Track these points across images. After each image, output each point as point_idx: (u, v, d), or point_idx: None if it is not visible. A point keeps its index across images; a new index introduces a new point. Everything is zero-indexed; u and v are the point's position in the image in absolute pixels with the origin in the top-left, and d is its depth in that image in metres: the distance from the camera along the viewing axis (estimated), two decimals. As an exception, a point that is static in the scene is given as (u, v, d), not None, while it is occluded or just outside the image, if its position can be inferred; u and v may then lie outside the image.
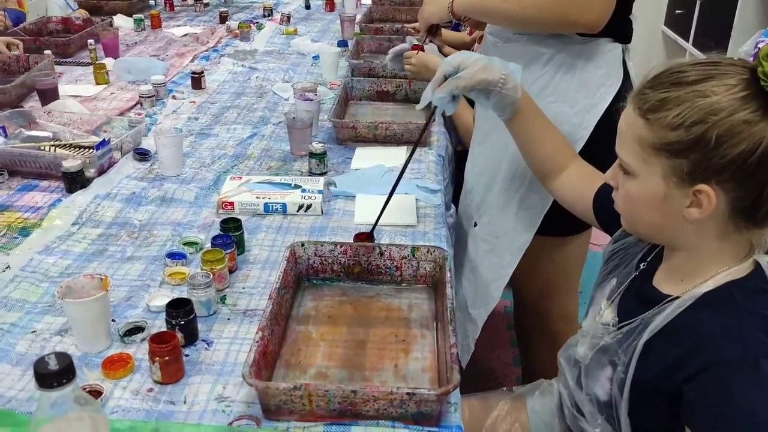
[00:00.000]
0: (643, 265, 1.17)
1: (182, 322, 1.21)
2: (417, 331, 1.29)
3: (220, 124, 2.29)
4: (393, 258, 1.41)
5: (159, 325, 1.27)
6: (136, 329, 1.26)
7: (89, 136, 2.05)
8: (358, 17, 3.51)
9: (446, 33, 3.09)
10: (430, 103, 1.39)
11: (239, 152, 2.06)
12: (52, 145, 1.98)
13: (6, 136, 2.01)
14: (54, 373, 0.77)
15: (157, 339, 1.14)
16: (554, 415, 1.42)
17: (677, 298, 1.04)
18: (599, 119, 1.58)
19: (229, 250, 1.41)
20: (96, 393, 1.10)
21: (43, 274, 1.44)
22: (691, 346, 0.99)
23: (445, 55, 3.08)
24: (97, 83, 2.62)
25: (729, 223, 1.00)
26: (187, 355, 1.20)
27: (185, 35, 3.43)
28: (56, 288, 1.22)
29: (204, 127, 2.25)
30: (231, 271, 1.44)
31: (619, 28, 1.56)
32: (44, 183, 1.83)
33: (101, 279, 1.23)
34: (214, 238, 1.44)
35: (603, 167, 1.25)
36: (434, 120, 1.58)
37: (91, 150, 1.92)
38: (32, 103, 2.39)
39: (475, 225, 1.81)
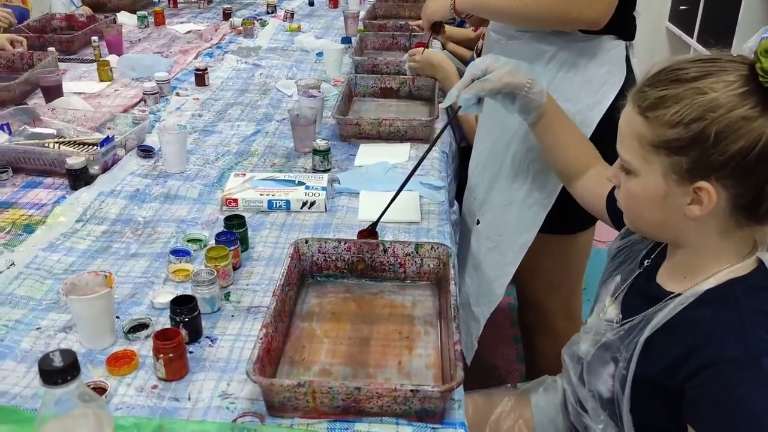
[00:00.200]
0: (647, 263, 1.17)
1: (186, 319, 1.21)
2: (421, 328, 1.29)
3: (223, 121, 2.29)
4: (397, 255, 1.41)
5: (163, 322, 1.28)
6: (140, 326, 1.26)
7: (93, 133, 2.06)
8: (362, 14, 3.50)
9: (451, 29, 3.09)
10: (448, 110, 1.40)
11: (243, 149, 2.06)
12: (56, 142, 1.98)
13: (10, 133, 2.02)
14: (58, 370, 0.77)
15: (161, 336, 1.14)
16: (558, 411, 1.42)
17: (679, 295, 1.04)
18: (602, 117, 1.57)
19: (233, 247, 1.41)
20: (100, 390, 1.10)
21: (47, 271, 1.44)
22: (693, 344, 0.99)
23: (450, 52, 3.09)
24: (101, 80, 2.63)
25: (730, 220, 1.00)
26: (191, 352, 1.20)
27: (189, 32, 3.42)
28: (61, 285, 1.23)
29: (208, 124, 2.25)
30: (235, 268, 1.44)
31: (623, 25, 1.55)
32: (48, 180, 1.84)
33: (106, 276, 1.23)
34: (218, 235, 1.45)
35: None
36: (452, 120, 1.59)
37: (95, 147, 1.92)
38: (36, 100, 2.39)
39: (478, 222, 1.81)
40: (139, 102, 2.43)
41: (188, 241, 1.55)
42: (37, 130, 2.07)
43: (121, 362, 1.16)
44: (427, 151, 1.57)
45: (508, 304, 2.76)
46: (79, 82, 2.62)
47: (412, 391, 1.03)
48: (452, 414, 1.08)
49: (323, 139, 1.91)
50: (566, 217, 1.66)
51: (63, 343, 1.23)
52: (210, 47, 3.17)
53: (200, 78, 2.61)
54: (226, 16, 3.67)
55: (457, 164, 2.23)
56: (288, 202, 1.69)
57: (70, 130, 2.07)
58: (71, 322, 1.26)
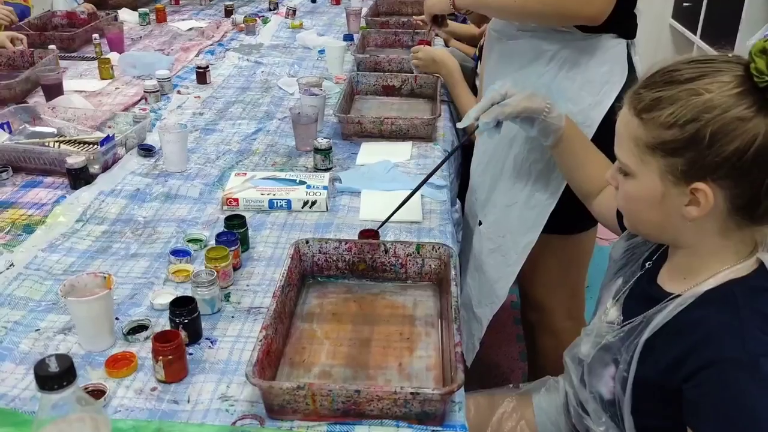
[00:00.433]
0: (649, 264, 1.17)
1: (186, 321, 1.20)
2: (422, 329, 1.29)
3: (225, 119, 2.28)
4: (398, 255, 1.40)
5: (163, 323, 1.27)
6: (139, 327, 1.26)
7: (94, 132, 2.05)
8: (364, 11, 3.49)
9: (454, 25, 3.08)
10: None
11: (244, 148, 2.05)
12: (57, 141, 1.98)
13: (10, 132, 2.01)
14: (54, 376, 0.76)
15: (160, 337, 1.13)
16: (560, 412, 1.42)
17: (679, 296, 1.04)
18: (604, 116, 1.56)
19: (233, 248, 1.41)
20: (99, 392, 1.10)
21: (47, 272, 1.43)
22: (691, 344, 0.99)
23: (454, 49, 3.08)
24: (102, 78, 2.62)
25: (729, 221, 1.00)
26: (190, 354, 1.20)
27: (190, 29, 3.42)
28: (59, 286, 1.22)
29: (209, 122, 2.25)
30: (235, 269, 1.43)
31: (623, 24, 1.54)
32: (48, 179, 1.83)
33: (105, 277, 1.22)
34: (218, 235, 1.44)
35: (608, 165, 1.24)
36: (466, 139, 1.63)
37: (96, 146, 1.92)
38: (37, 99, 2.38)
39: (480, 223, 1.80)
40: (140, 100, 2.42)
41: (188, 241, 1.54)
42: (38, 128, 2.06)
43: (120, 364, 1.16)
44: (443, 162, 1.61)
45: (510, 302, 2.75)
46: (79, 80, 2.62)
47: (412, 393, 1.02)
48: (453, 416, 1.07)
49: (325, 138, 1.90)
50: (569, 218, 1.66)
51: (62, 344, 1.22)
52: (211, 45, 3.16)
53: (201, 76, 2.60)
54: (228, 13, 3.66)
55: (460, 162, 2.22)
56: (289, 201, 1.68)
57: (71, 128, 2.06)
58: (70, 324, 1.26)
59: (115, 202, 1.71)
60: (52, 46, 2.80)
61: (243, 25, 3.40)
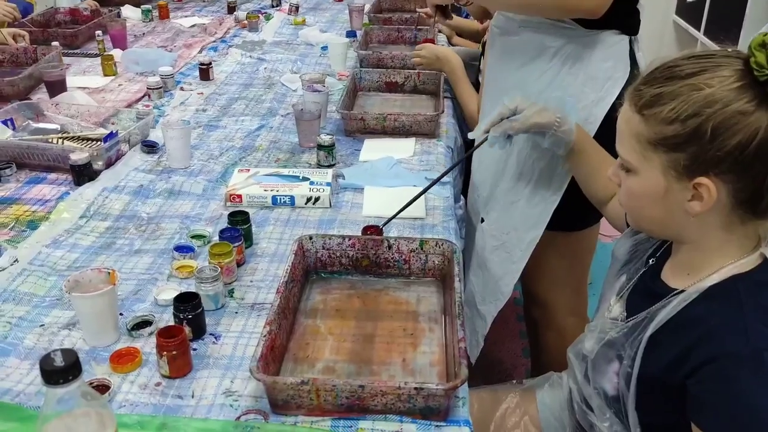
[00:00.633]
0: (652, 261, 1.17)
1: (190, 316, 1.21)
2: (425, 324, 1.29)
3: (228, 115, 2.28)
4: (401, 251, 1.40)
5: (167, 318, 1.27)
6: (143, 323, 1.26)
7: (97, 129, 2.05)
8: (367, 7, 3.49)
9: (458, 20, 3.08)
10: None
11: (247, 144, 2.05)
12: (60, 138, 1.98)
13: (14, 128, 2.01)
14: (60, 370, 0.76)
15: (164, 333, 1.13)
16: (564, 408, 1.42)
17: (683, 291, 1.04)
18: (607, 113, 1.56)
19: (236, 244, 1.41)
20: (104, 387, 1.10)
21: (51, 268, 1.44)
22: (695, 339, 0.99)
23: (456, 46, 3.08)
24: (105, 75, 2.62)
25: (732, 215, 1.00)
26: (194, 349, 1.20)
27: (193, 26, 3.41)
28: (63, 282, 1.22)
29: (212, 119, 2.25)
30: (239, 265, 1.43)
31: (625, 20, 1.54)
32: (52, 176, 1.83)
33: (109, 273, 1.23)
34: (221, 231, 1.44)
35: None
36: (477, 146, 1.64)
37: (99, 142, 1.92)
38: (40, 95, 2.38)
39: (483, 220, 1.79)
40: (143, 97, 2.43)
41: (192, 237, 1.54)
42: (41, 125, 2.06)
43: (124, 359, 1.16)
44: (446, 172, 1.63)
45: (514, 299, 2.74)
46: (83, 77, 2.62)
47: (416, 388, 1.02)
48: (456, 411, 1.07)
49: (328, 134, 1.90)
50: (572, 215, 1.66)
51: (66, 340, 1.23)
52: (214, 41, 3.16)
53: (204, 72, 2.60)
54: (231, 9, 3.66)
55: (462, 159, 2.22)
56: (292, 197, 1.68)
57: (74, 125, 2.06)
58: (75, 319, 1.26)
59: (118, 199, 1.71)
60: (55, 43, 2.81)
61: (246, 22, 3.40)
